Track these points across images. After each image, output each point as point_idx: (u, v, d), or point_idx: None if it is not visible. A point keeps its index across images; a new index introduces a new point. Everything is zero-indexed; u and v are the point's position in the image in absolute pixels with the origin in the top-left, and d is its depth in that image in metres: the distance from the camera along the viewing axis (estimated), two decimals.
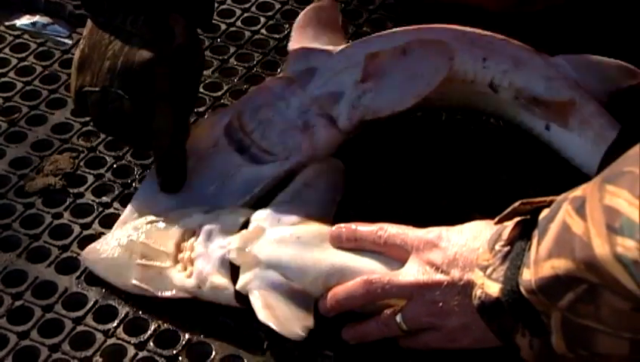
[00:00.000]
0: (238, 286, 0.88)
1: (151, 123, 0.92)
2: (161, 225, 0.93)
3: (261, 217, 0.91)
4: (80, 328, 0.89)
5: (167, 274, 0.90)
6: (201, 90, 1.11)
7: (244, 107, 1.03)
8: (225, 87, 1.14)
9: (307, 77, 1.04)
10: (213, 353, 0.87)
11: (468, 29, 1.06)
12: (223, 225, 0.91)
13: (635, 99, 1.04)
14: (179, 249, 0.91)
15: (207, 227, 0.91)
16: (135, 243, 0.92)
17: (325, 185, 0.96)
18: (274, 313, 0.85)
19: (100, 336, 0.88)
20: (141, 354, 0.87)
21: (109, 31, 0.92)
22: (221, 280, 0.88)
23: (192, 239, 0.91)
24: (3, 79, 1.15)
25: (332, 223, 0.91)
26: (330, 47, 1.07)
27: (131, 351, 0.87)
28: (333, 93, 1.02)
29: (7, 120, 1.09)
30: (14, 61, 1.17)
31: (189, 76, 0.96)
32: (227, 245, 0.89)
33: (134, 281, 0.90)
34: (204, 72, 1.09)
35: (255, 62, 1.17)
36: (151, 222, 0.94)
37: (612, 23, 1.17)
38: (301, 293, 0.87)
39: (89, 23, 0.94)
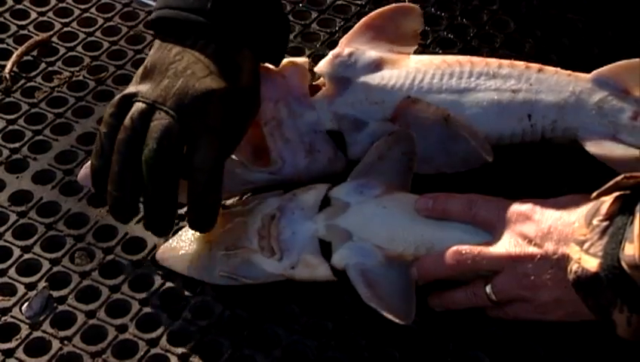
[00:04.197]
0: (333, 262, 0.88)
1: (192, 154, 0.86)
2: (237, 213, 0.92)
3: (342, 192, 0.91)
4: (168, 284, 0.91)
5: (255, 260, 0.89)
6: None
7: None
8: (307, 53, 1.14)
9: (338, 88, 0.98)
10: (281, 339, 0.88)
11: (505, 68, 0.99)
12: (304, 204, 0.90)
13: None
14: (260, 234, 0.90)
15: (287, 208, 0.90)
16: (214, 235, 0.91)
17: (399, 155, 0.95)
18: (377, 292, 0.85)
19: (165, 318, 0.89)
20: (207, 338, 0.88)
21: (175, 50, 0.89)
22: (314, 258, 0.88)
23: (273, 223, 0.90)
24: (90, 38, 1.16)
25: (410, 191, 0.92)
26: (378, 57, 0.99)
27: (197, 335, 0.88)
28: (357, 121, 0.97)
29: (94, 78, 1.11)
30: (101, 21, 1.18)
31: (241, 118, 0.91)
32: (314, 224, 0.89)
33: (221, 273, 0.89)
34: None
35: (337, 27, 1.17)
36: (225, 212, 0.93)
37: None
38: (397, 260, 0.87)
39: (156, 42, 0.91)
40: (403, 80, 0.99)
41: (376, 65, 0.99)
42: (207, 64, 0.88)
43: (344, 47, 1.01)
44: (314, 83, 1.01)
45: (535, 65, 1.00)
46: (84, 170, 0.96)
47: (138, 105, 0.86)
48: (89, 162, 0.92)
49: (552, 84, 0.98)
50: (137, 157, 0.85)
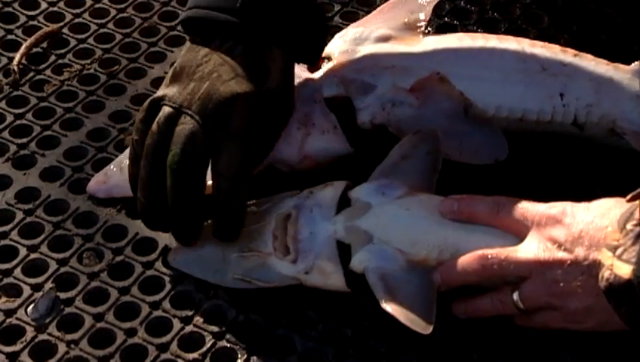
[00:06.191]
0: (352, 266, 0.86)
1: (216, 160, 0.86)
2: (251, 214, 0.90)
3: (364, 192, 0.89)
4: (180, 287, 0.89)
5: (270, 263, 0.88)
6: None
7: None
8: None
9: (346, 57, 0.97)
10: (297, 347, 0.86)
11: (537, 48, 0.97)
12: (322, 201, 0.88)
13: None
14: (275, 235, 0.88)
15: (304, 206, 0.89)
16: None
17: (423, 155, 0.93)
18: (396, 298, 0.83)
19: (176, 322, 0.87)
20: (220, 344, 0.86)
21: (203, 52, 0.89)
22: (330, 264, 0.86)
23: (290, 221, 0.88)
24: (102, 30, 1.14)
25: (434, 192, 0.90)
26: (387, 33, 0.99)
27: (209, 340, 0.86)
28: (365, 84, 0.96)
29: (106, 72, 1.09)
30: (113, 12, 1.16)
31: (270, 122, 0.91)
32: (332, 225, 0.87)
33: (235, 275, 0.88)
34: None
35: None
36: None
37: None
38: (419, 265, 0.85)
39: (187, 43, 0.91)
40: (416, 46, 0.97)
41: (386, 38, 0.99)
42: (233, 66, 0.87)
43: (351, 27, 1.02)
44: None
45: (572, 50, 0.98)
46: (94, 180, 0.96)
47: (165, 110, 0.87)
48: (101, 172, 0.96)
49: (589, 68, 0.96)
50: (164, 163, 0.85)
